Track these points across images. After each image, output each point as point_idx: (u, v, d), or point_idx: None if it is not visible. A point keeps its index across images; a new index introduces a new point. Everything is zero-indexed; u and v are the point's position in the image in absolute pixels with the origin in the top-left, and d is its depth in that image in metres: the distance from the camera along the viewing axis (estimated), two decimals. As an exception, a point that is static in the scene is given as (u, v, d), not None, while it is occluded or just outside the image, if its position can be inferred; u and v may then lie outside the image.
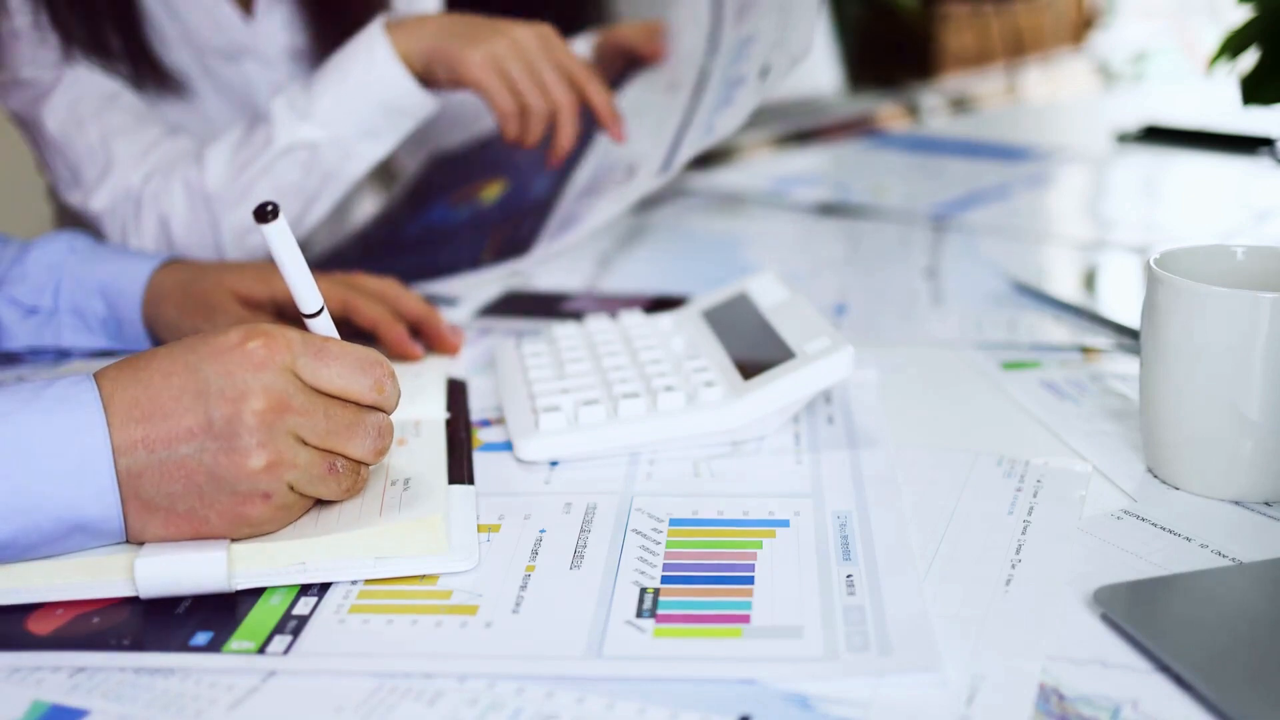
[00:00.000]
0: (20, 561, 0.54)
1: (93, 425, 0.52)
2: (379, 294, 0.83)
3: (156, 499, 0.53)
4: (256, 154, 0.94)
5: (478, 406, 0.76)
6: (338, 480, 0.57)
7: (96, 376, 0.54)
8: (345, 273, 0.85)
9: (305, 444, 0.55)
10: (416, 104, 0.95)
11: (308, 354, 0.55)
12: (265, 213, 0.54)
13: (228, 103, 1.07)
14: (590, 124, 1.09)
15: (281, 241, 0.56)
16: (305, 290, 0.57)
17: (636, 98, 1.08)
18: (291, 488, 0.55)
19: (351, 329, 0.81)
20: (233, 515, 0.54)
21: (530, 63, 0.94)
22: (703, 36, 1.04)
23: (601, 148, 1.07)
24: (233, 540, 0.55)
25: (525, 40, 0.94)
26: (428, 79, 0.95)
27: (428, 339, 0.83)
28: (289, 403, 0.54)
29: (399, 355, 0.80)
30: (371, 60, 0.93)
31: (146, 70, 1.00)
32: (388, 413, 0.58)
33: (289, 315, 0.79)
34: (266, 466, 0.53)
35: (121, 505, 0.53)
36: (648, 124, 1.03)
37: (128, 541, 0.55)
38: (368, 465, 0.58)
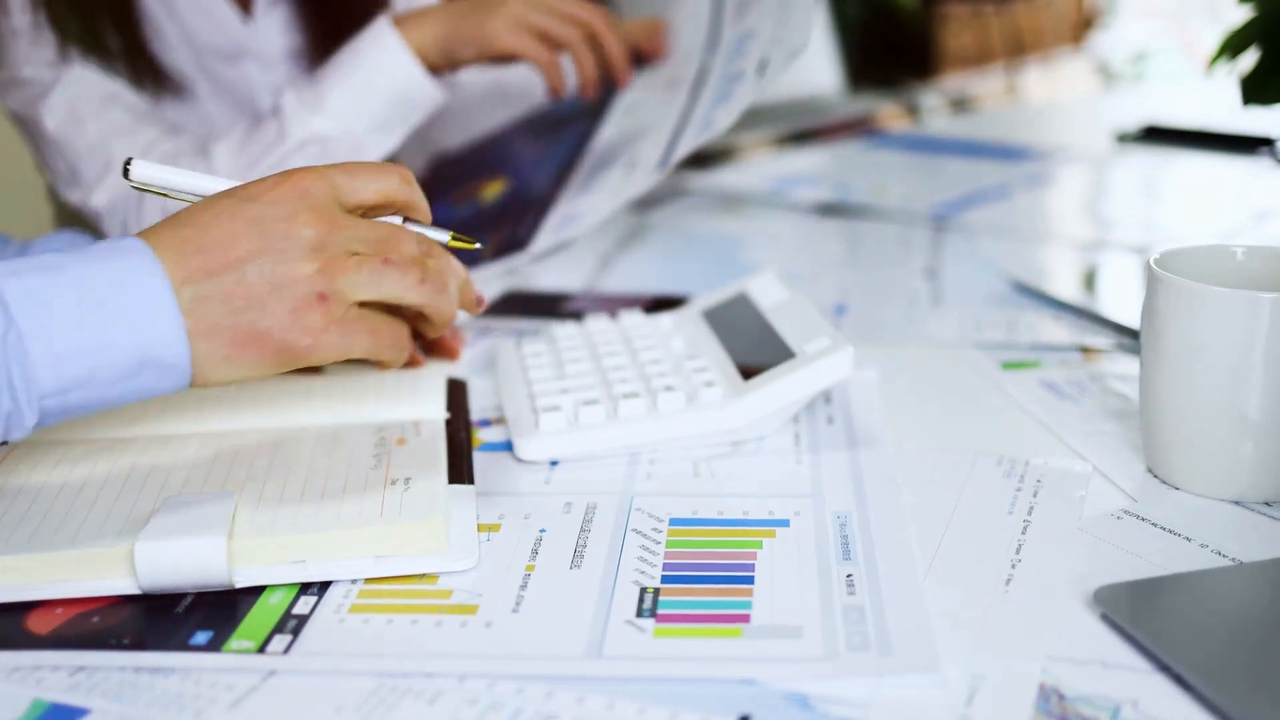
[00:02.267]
0: (94, 407, 0.54)
1: (146, 264, 0.54)
2: None
3: (221, 320, 0.55)
4: (268, 149, 0.95)
5: (478, 406, 0.76)
6: (400, 272, 0.58)
7: (139, 235, 0.56)
8: None
9: (356, 254, 0.58)
10: (428, 96, 0.97)
11: (341, 174, 0.59)
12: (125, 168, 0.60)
13: (227, 103, 1.07)
14: (589, 120, 1.09)
15: (154, 173, 0.61)
16: (215, 183, 0.61)
17: (636, 95, 1.08)
18: (349, 300, 0.57)
19: None
20: (292, 325, 0.56)
21: (549, 7, 0.98)
22: (703, 34, 1.04)
23: (602, 145, 1.07)
24: (294, 366, 0.57)
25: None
26: (450, 63, 0.97)
27: (426, 344, 0.83)
28: (337, 219, 0.57)
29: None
30: (382, 54, 0.94)
31: (145, 70, 1.00)
32: (421, 209, 0.63)
33: None
34: (320, 269, 0.56)
35: (187, 335, 0.54)
36: (647, 120, 1.03)
37: (193, 380, 0.56)
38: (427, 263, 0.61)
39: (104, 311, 0.53)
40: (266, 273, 0.56)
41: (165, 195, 0.61)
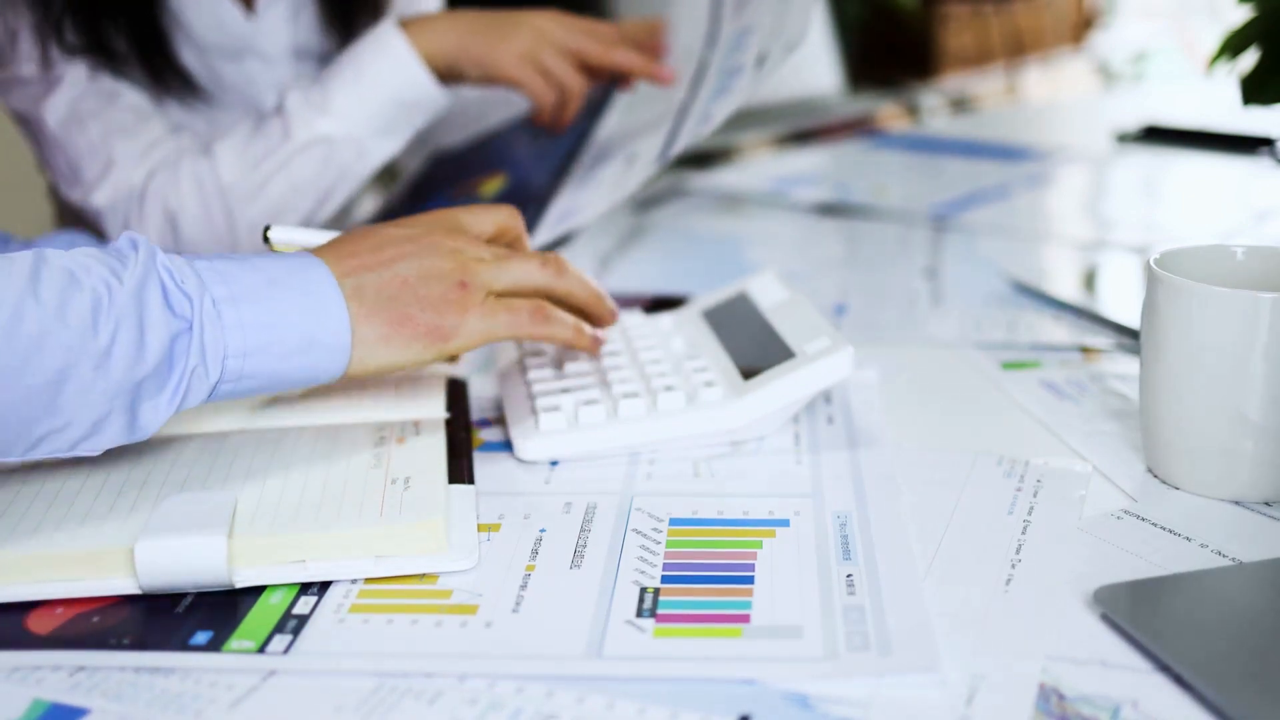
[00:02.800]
0: (264, 379, 0.60)
1: (312, 263, 0.63)
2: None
3: (377, 305, 0.63)
4: (273, 148, 0.95)
5: (478, 406, 0.76)
6: (522, 260, 0.68)
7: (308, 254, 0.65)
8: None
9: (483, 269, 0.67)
10: (433, 100, 0.97)
11: (463, 211, 0.70)
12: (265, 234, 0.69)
13: (231, 103, 1.07)
14: (588, 114, 1.09)
15: (291, 235, 0.70)
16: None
17: (635, 94, 1.08)
18: (487, 288, 0.66)
19: None
20: (441, 308, 0.64)
21: (561, 48, 0.98)
22: (701, 30, 1.04)
23: (601, 140, 1.07)
24: (443, 350, 0.65)
25: (549, 28, 0.98)
26: (451, 76, 0.97)
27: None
28: (466, 236, 0.68)
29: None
30: (388, 58, 0.94)
31: (166, 75, 1.00)
32: (525, 242, 0.73)
33: None
34: (459, 264, 0.65)
35: (349, 317, 0.62)
36: (646, 115, 1.03)
37: (351, 363, 0.62)
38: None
39: (281, 292, 0.60)
40: (414, 268, 0.64)
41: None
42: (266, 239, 0.69)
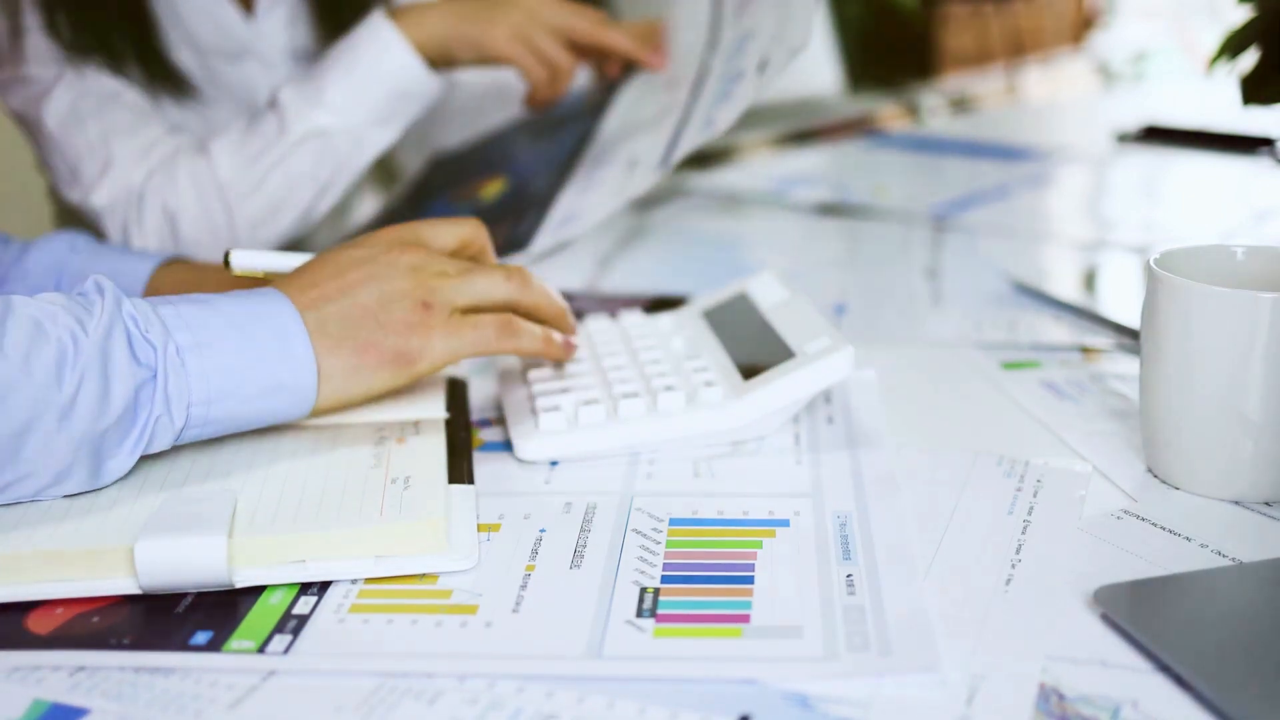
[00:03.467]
0: (228, 423, 0.61)
1: (276, 300, 0.63)
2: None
3: (342, 336, 0.63)
4: (269, 143, 0.95)
5: (478, 406, 0.76)
6: (486, 274, 0.67)
7: (269, 282, 0.66)
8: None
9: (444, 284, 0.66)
10: (426, 89, 0.98)
11: (425, 226, 0.69)
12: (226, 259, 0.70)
13: (230, 105, 1.07)
14: (589, 120, 1.09)
15: (252, 260, 0.71)
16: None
17: (636, 95, 1.08)
18: (450, 306, 0.65)
19: None
20: (404, 332, 0.64)
21: (551, 26, 1.00)
22: (702, 34, 1.04)
23: (602, 144, 1.07)
24: (411, 374, 0.65)
25: (537, 8, 1.00)
26: (445, 61, 0.98)
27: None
28: (427, 252, 0.67)
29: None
30: (380, 48, 0.95)
31: (161, 76, 1.00)
32: (490, 256, 0.72)
33: None
34: (420, 283, 0.65)
35: (314, 353, 0.62)
36: (648, 120, 1.03)
37: (319, 400, 0.63)
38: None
39: (246, 337, 0.60)
40: (375, 292, 0.64)
41: (266, 277, 0.70)
42: (227, 264, 0.70)
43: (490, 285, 0.68)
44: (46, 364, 0.55)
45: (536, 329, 0.70)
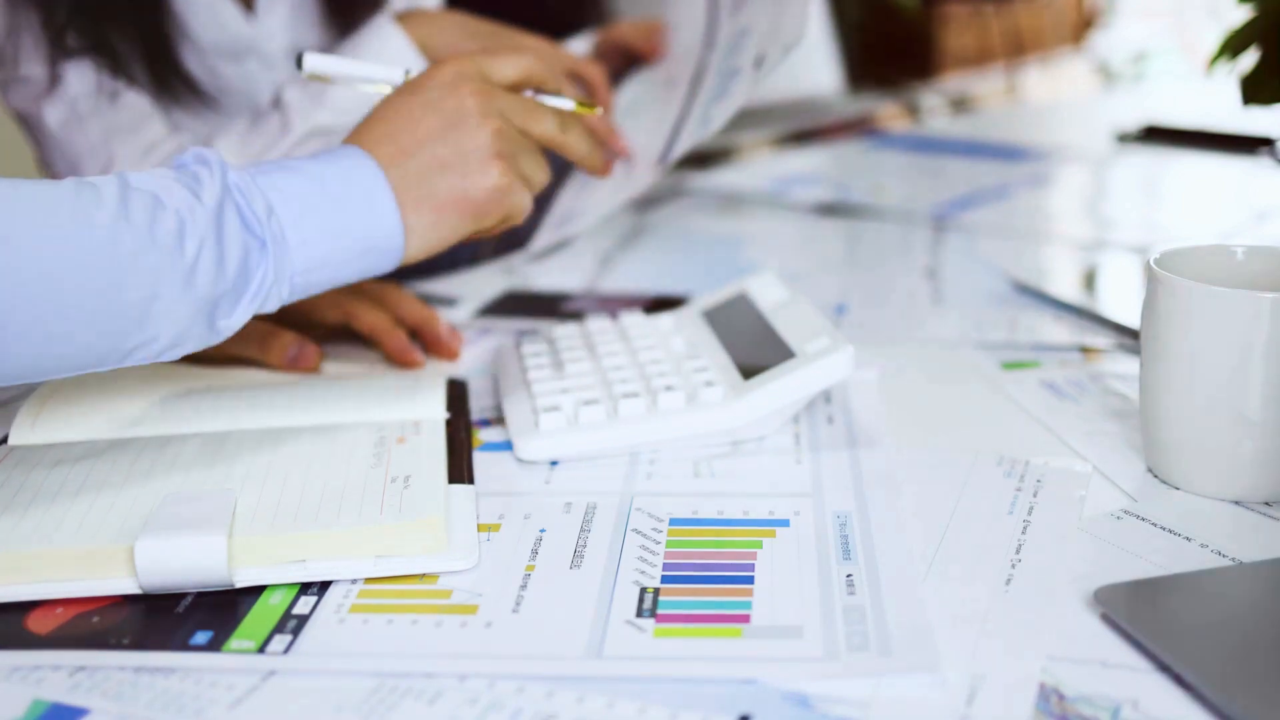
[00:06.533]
0: (328, 285, 0.64)
1: (361, 160, 0.65)
2: (378, 299, 0.83)
3: (422, 191, 0.66)
4: (272, 142, 0.95)
5: (478, 406, 0.76)
6: (544, 114, 0.71)
7: (348, 139, 0.68)
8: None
9: (512, 124, 0.69)
10: None
11: (485, 57, 0.72)
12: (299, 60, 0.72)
13: (231, 104, 1.07)
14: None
15: (323, 64, 0.73)
16: (377, 70, 0.74)
17: (635, 94, 1.08)
18: (518, 151, 0.69)
19: (350, 335, 0.82)
20: (481, 181, 0.67)
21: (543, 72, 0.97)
22: (699, 33, 1.04)
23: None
24: (489, 220, 0.68)
25: (545, 49, 0.98)
26: None
27: (426, 343, 0.84)
28: (490, 89, 0.69)
29: (400, 363, 0.82)
30: (385, 50, 0.94)
31: (170, 78, 1.00)
32: (553, 84, 0.76)
33: (296, 326, 0.81)
34: (493, 132, 0.68)
35: (399, 208, 0.65)
36: (646, 119, 1.03)
37: (407, 250, 0.65)
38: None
39: (338, 203, 0.63)
40: (450, 144, 0.67)
41: (334, 82, 0.74)
42: (300, 65, 0.72)
43: (546, 125, 0.71)
44: (169, 230, 0.57)
45: (589, 148, 0.75)
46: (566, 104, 0.75)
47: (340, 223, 0.63)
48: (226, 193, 0.60)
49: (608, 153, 1.00)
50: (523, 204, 0.69)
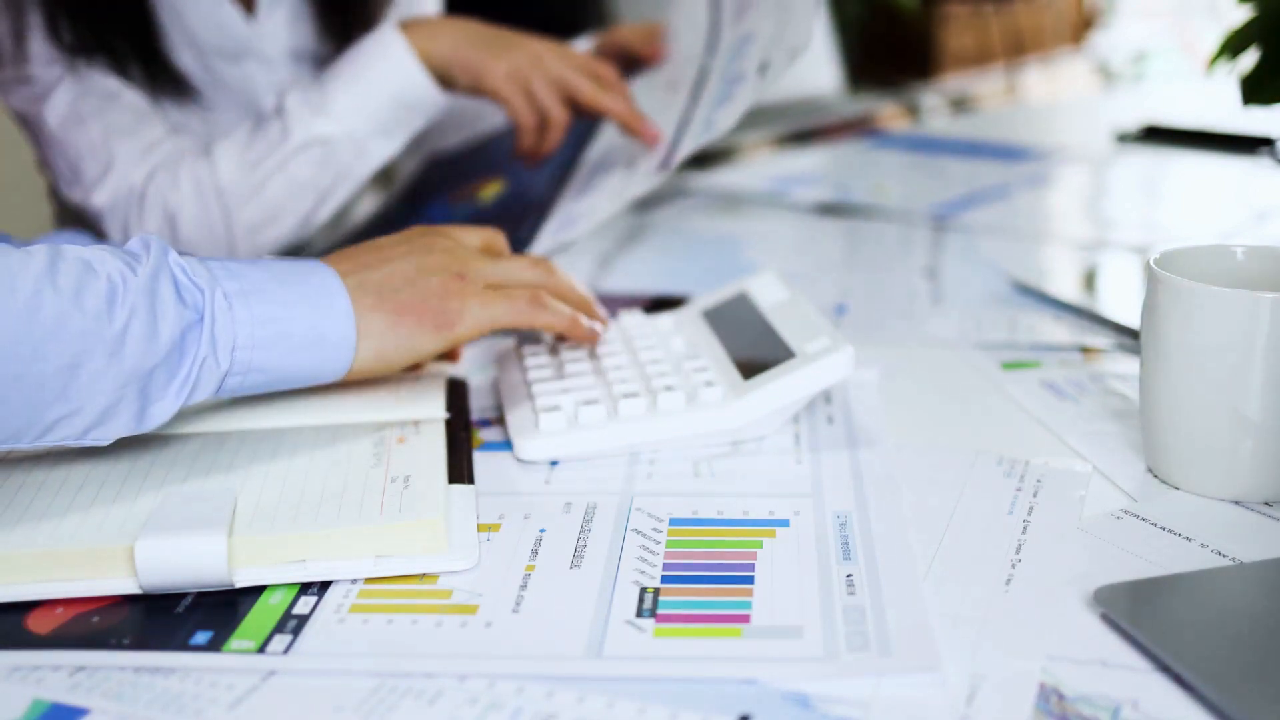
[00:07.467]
0: (269, 375, 0.63)
1: (316, 265, 0.65)
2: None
3: (380, 297, 0.65)
4: (272, 149, 0.95)
5: (478, 406, 0.76)
6: (512, 261, 0.71)
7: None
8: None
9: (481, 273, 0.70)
10: (431, 102, 0.97)
11: (454, 228, 0.73)
12: None
13: (230, 105, 1.07)
14: (589, 122, 1.09)
15: None
16: None
17: (637, 97, 1.08)
18: (481, 281, 0.69)
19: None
20: (441, 296, 0.67)
21: (552, 77, 0.97)
22: (701, 37, 1.04)
23: (601, 146, 1.07)
24: (448, 339, 0.67)
25: (546, 56, 0.98)
26: (442, 81, 0.97)
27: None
28: (459, 241, 0.71)
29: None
30: (388, 59, 0.94)
31: (162, 77, 1.00)
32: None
33: None
34: (453, 258, 0.69)
35: (354, 311, 0.64)
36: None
37: (356, 360, 0.65)
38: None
39: (289, 289, 0.62)
40: (412, 264, 0.67)
41: None
42: None
43: (519, 268, 0.72)
44: (97, 298, 0.56)
45: (564, 308, 0.73)
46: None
47: (290, 305, 0.62)
48: (163, 266, 0.59)
49: (638, 144, 1.00)
50: (496, 317, 0.69)
